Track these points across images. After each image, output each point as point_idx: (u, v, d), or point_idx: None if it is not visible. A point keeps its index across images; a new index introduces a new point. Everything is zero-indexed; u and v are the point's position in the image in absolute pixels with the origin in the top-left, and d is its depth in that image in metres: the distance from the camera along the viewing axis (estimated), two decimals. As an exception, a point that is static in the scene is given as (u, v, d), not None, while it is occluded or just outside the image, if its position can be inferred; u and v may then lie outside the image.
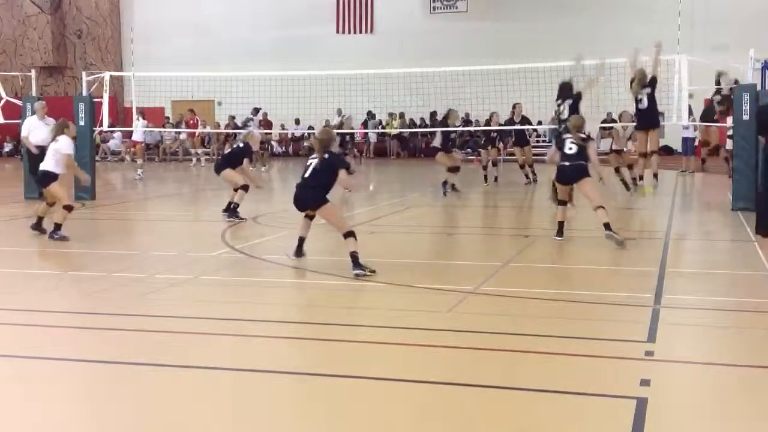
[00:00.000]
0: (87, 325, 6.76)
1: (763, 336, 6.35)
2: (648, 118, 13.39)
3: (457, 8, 32.61)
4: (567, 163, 10.49)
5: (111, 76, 18.50)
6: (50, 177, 11.04)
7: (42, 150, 15.01)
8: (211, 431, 4.54)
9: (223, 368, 5.59)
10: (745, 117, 13.72)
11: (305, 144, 31.00)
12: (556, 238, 10.74)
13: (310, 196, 8.81)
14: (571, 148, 10.45)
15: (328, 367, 5.59)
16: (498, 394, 5.04)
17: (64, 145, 11.03)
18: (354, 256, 8.44)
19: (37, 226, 11.39)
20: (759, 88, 14.17)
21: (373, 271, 8.39)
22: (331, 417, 4.71)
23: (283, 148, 32.95)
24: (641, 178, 14.27)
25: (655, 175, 13.67)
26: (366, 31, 33.44)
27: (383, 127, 31.39)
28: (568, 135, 10.62)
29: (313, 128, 30.55)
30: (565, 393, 4.96)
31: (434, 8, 32.92)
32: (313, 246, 9.12)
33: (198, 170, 26.75)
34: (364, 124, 31.64)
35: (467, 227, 13.31)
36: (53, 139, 11.11)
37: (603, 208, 10.26)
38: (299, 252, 9.26)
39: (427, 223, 13.76)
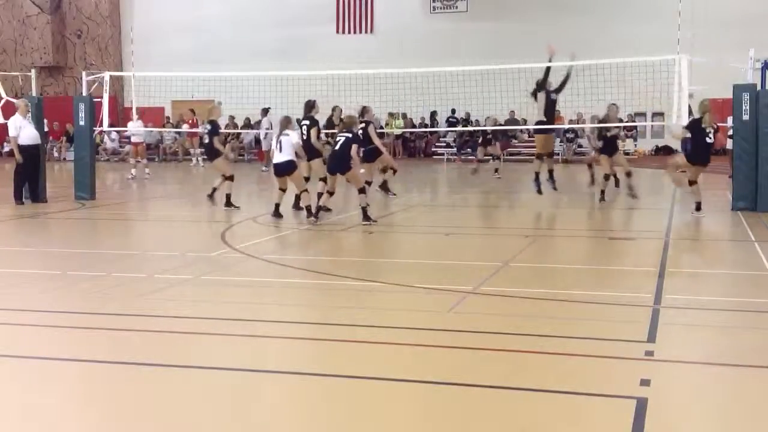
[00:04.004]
0: (87, 325, 6.76)
1: (763, 336, 6.35)
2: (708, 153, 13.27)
3: (457, 8, 32.59)
4: None
5: (111, 76, 18.47)
6: (292, 166, 12.94)
7: (28, 150, 15.00)
8: (211, 431, 4.54)
9: (223, 368, 5.58)
10: (745, 117, 13.70)
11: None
12: None
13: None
14: None
15: (328, 367, 5.59)
16: (498, 394, 5.04)
17: (294, 136, 13.17)
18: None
19: (277, 213, 13.07)
20: (759, 88, 14.16)
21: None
22: (331, 417, 4.71)
23: (283, 148, 32.89)
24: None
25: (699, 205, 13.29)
26: (366, 31, 33.41)
27: (382, 128, 31.33)
28: None
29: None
30: (565, 393, 4.96)
31: (434, 8, 32.90)
32: (312, 246, 9.12)
33: (198, 170, 26.73)
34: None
35: (467, 227, 13.30)
36: (281, 133, 12.93)
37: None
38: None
39: (427, 223, 13.75)
